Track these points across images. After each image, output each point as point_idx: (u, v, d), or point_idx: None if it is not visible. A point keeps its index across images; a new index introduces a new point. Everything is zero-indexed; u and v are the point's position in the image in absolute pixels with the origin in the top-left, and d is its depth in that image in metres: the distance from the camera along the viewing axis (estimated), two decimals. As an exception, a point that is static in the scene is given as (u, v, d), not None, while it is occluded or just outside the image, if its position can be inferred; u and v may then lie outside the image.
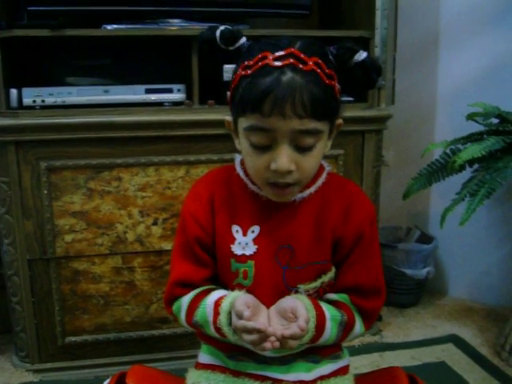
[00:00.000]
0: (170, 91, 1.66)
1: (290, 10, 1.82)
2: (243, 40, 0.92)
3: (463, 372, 1.74)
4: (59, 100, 1.60)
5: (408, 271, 2.09)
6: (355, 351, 1.82)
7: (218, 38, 0.92)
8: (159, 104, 1.66)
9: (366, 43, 1.73)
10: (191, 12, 1.73)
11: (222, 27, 0.92)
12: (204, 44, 0.94)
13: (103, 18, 1.67)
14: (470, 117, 1.79)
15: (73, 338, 1.71)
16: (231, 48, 0.92)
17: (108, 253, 1.67)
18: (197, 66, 1.62)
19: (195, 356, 1.07)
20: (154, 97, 1.66)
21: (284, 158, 0.85)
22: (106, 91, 1.63)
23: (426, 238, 2.21)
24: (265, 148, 0.86)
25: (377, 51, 1.74)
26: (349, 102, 1.75)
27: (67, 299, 1.68)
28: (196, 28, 1.67)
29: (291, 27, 1.93)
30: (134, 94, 1.65)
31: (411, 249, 2.13)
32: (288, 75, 0.82)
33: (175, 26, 1.70)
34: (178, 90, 1.67)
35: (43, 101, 1.58)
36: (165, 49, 1.76)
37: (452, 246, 2.26)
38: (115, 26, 1.63)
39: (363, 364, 1.76)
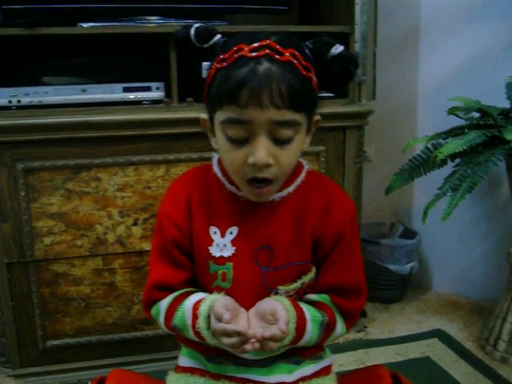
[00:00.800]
0: (148, 89, 1.64)
1: (269, 6, 1.80)
2: (218, 37, 0.91)
3: (448, 367, 1.74)
4: (35, 100, 1.57)
5: (392, 267, 2.09)
6: (340, 348, 1.81)
7: (192, 36, 0.91)
8: (138, 102, 1.64)
9: (345, 38, 1.72)
10: (169, 9, 1.71)
11: (196, 25, 0.91)
12: (179, 42, 0.93)
13: (79, 15, 1.64)
14: (451, 111, 1.78)
15: (54, 342, 1.69)
16: (206, 45, 0.91)
17: (88, 254, 1.64)
18: (175, 64, 1.60)
19: (178, 357, 1.06)
20: (132, 95, 1.63)
21: (262, 150, 0.83)
22: (84, 90, 1.61)
23: (409, 233, 2.21)
24: (242, 142, 0.84)
25: (357, 46, 1.73)
26: (329, 97, 1.74)
27: (47, 302, 1.65)
28: (174, 25, 1.64)
29: (270, 23, 1.92)
30: (112, 92, 1.62)
31: (395, 244, 2.12)
32: (264, 65, 0.81)
33: (153, 23, 1.68)
34: (157, 88, 1.65)
35: (19, 101, 1.55)
36: (142, 46, 1.73)
37: (435, 240, 2.26)
38: (91, 24, 1.60)
39: (348, 361, 1.76)
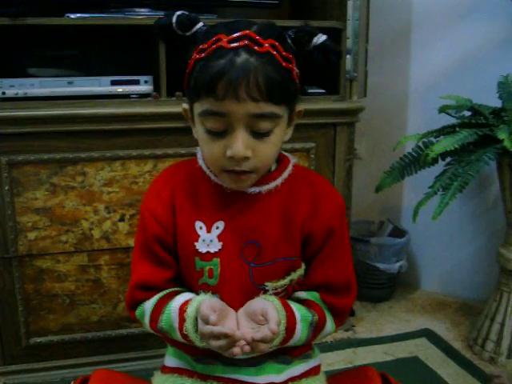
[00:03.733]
0: (136, 83, 1.61)
1: (259, 0, 1.78)
2: (200, 25, 0.89)
3: (436, 367, 1.73)
4: (21, 92, 1.53)
5: (381, 265, 2.08)
6: (328, 347, 1.80)
7: (174, 24, 0.89)
8: (125, 96, 1.61)
9: (337, 34, 1.70)
10: (158, 1, 1.69)
11: (178, 12, 0.89)
12: (160, 31, 0.91)
13: (67, 6, 1.61)
14: (443, 109, 1.77)
15: (38, 339, 1.66)
16: (188, 33, 0.89)
17: (73, 250, 1.61)
18: (164, 57, 1.57)
19: (164, 355, 1.03)
20: (120, 89, 1.60)
21: (239, 143, 0.82)
22: (70, 83, 1.58)
23: (398, 232, 2.20)
24: (220, 134, 0.83)
25: (349, 43, 1.71)
26: (320, 94, 1.72)
27: (31, 299, 1.62)
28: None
29: (261, 17, 1.88)
30: (100, 85, 1.59)
31: (384, 243, 2.11)
32: (242, 57, 0.80)
33: (142, 15, 1.66)
34: (145, 82, 1.62)
35: (4, 93, 1.52)
36: (131, 39, 1.70)
37: (424, 239, 2.25)
38: (79, 15, 1.57)
39: (336, 360, 1.75)
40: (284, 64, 0.83)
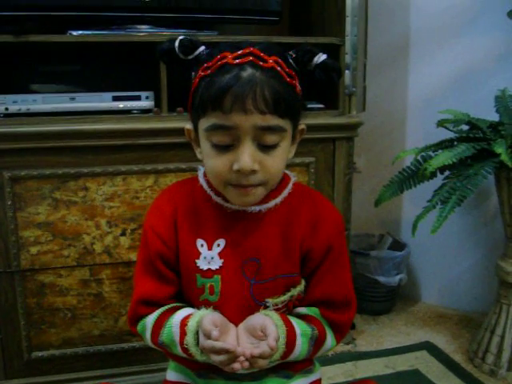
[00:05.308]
0: (138, 98, 1.63)
1: (259, 17, 1.80)
2: (202, 48, 0.91)
3: (437, 380, 1.73)
4: (24, 108, 1.55)
5: (381, 278, 2.09)
6: (329, 361, 1.80)
7: (176, 49, 0.90)
8: (127, 112, 1.63)
9: (336, 50, 1.72)
10: (159, 18, 1.71)
11: (181, 37, 0.91)
12: (163, 55, 0.93)
13: (69, 23, 1.63)
14: (441, 124, 1.79)
15: (39, 353, 1.66)
16: (190, 57, 0.91)
17: (75, 265, 1.62)
18: (165, 73, 1.59)
19: (166, 369, 1.04)
20: (121, 104, 1.62)
21: (247, 156, 0.82)
22: (73, 99, 1.59)
23: (398, 245, 2.21)
24: (227, 148, 0.84)
25: (347, 58, 1.73)
26: (319, 109, 1.74)
27: (33, 313, 1.63)
28: (164, 34, 1.64)
29: (261, 34, 1.91)
30: (101, 101, 1.61)
31: (384, 256, 2.12)
32: (248, 71, 0.82)
33: (143, 32, 1.68)
34: (147, 98, 1.64)
35: (7, 108, 1.54)
36: (132, 55, 1.72)
37: (424, 252, 2.26)
38: (81, 32, 1.59)
39: (337, 373, 1.75)
40: (288, 79, 0.85)
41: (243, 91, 0.80)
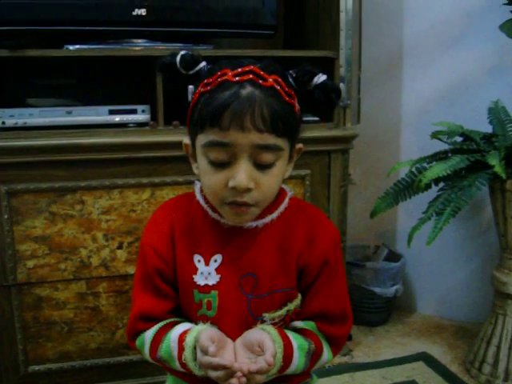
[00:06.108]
0: (134, 112, 1.64)
1: (254, 30, 1.81)
2: (203, 64, 0.92)
3: (434, 390, 1.74)
4: (20, 121, 1.56)
5: (377, 289, 2.09)
6: (326, 373, 1.81)
7: (178, 63, 0.91)
8: (123, 125, 1.64)
9: (330, 63, 1.74)
10: (155, 32, 1.72)
11: (182, 52, 0.92)
12: (164, 69, 0.94)
13: (66, 37, 1.64)
14: (435, 135, 1.81)
15: (36, 367, 1.66)
16: (191, 72, 0.92)
17: (72, 278, 1.62)
18: (161, 87, 1.60)
19: (163, 382, 1.04)
20: (117, 118, 1.63)
21: (243, 174, 0.83)
22: (69, 112, 1.60)
23: (393, 256, 2.22)
24: (223, 165, 0.84)
25: (342, 71, 1.75)
26: (314, 121, 1.75)
27: (30, 327, 1.63)
28: (160, 48, 1.65)
29: (256, 47, 1.93)
30: (98, 115, 1.62)
31: (380, 267, 2.13)
32: (247, 89, 0.82)
33: (139, 46, 1.69)
34: (143, 111, 1.65)
35: (3, 122, 1.54)
36: (129, 69, 1.74)
37: (419, 263, 2.27)
38: (78, 47, 1.60)
39: (334, 385, 1.75)
40: (287, 99, 0.85)
41: (242, 109, 0.80)
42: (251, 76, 0.83)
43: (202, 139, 0.86)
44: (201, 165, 0.89)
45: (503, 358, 1.76)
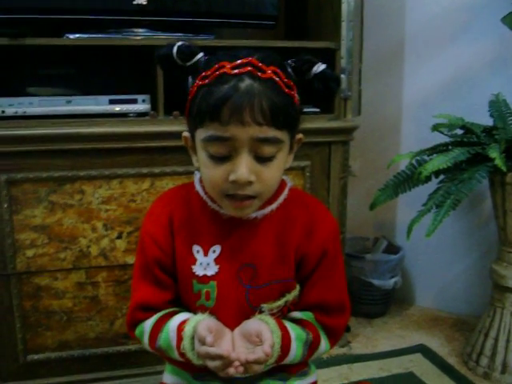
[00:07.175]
0: (134, 102, 1.64)
1: (256, 21, 1.81)
2: (200, 55, 0.90)
3: (431, 382, 1.74)
4: (20, 110, 1.55)
5: (376, 281, 2.10)
6: (324, 363, 1.81)
7: (174, 54, 0.90)
8: (123, 115, 1.63)
9: (332, 54, 1.73)
10: (156, 22, 1.71)
11: (179, 43, 0.90)
12: (161, 61, 0.93)
13: (66, 26, 1.63)
14: (435, 128, 1.80)
15: (35, 356, 1.66)
16: (188, 63, 0.90)
17: (71, 267, 1.62)
18: (162, 77, 1.59)
19: (162, 372, 1.05)
20: (118, 107, 1.63)
21: (243, 167, 0.83)
22: (69, 102, 1.60)
23: (392, 248, 2.22)
24: (224, 159, 0.84)
25: (343, 62, 1.74)
26: (315, 113, 1.75)
27: (29, 316, 1.63)
28: (161, 38, 1.65)
29: (257, 38, 1.92)
30: (98, 104, 1.61)
31: (379, 259, 2.13)
32: (246, 82, 0.81)
33: (139, 35, 1.68)
34: (143, 101, 1.64)
35: (3, 111, 1.54)
36: (129, 59, 1.73)
37: (418, 255, 2.27)
38: (78, 35, 1.59)
39: (332, 376, 1.76)
40: (286, 90, 0.84)
41: (241, 103, 0.80)
42: (249, 68, 0.82)
43: (201, 133, 0.85)
44: (201, 158, 0.88)
45: (501, 351, 1.77)
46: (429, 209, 1.64)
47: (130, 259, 1.64)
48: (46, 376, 1.68)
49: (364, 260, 2.11)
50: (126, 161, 1.61)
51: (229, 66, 0.83)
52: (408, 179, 1.81)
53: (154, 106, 1.64)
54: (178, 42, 0.91)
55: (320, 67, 0.89)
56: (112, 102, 1.62)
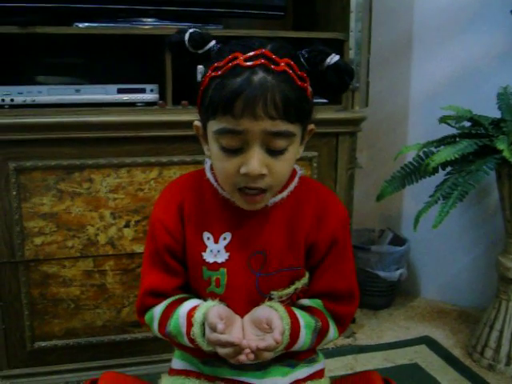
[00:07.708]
0: (142, 91, 1.64)
1: (264, 11, 1.81)
2: (212, 43, 0.90)
3: (436, 373, 1.75)
4: (29, 99, 1.56)
5: (381, 273, 2.10)
6: (329, 354, 1.82)
7: (186, 41, 0.89)
8: (132, 104, 1.63)
9: (340, 45, 1.73)
10: (165, 11, 1.71)
11: (191, 30, 0.90)
12: (173, 47, 0.92)
13: (75, 15, 1.64)
14: (443, 120, 1.80)
15: (42, 343, 1.68)
16: (200, 51, 0.90)
17: (79, 256, 1.63)
18: (170, 66, 1.60)
19: (169, 360, 1.06)
20: (126, 97, 1.63)
21: (255, 160, 0.82)
22: (78, 90, 1.60)
23: (398, 240, 2.22)
24: (236, 151, 0.84)
25: (351, 53, 1.74)
26: (323, 103, 1.75)
27: (37, 303, 1.64)
28: (169, 27, 1.65)
29: (265, 28, 1.92)
30: (106, 93, 1.62)
31: (384, 251, 2.14)
32: (259, 75, 0.80)
33: (148, 25, 1.68)
34: (151, 90, 1.64)
35: (12, 100, 1.54)
36: (138, 48, 1.73)
37: (424, 247, 2.27)
38: (87, 25, 1.60)
39: (337, 367, 1.76)
40: (299, 83, 0.83)
41: (254, 96, 0.79)
42: (263, 61, 0.81)
43: (213, 125, 0.85)
44: (213, 150, 0.88)
45: (505, 343, 1.77)
46: (436, 200, 1.64)
47: (138, 248, 1.65)
48: (53, 363, 1.70)
49: (370, 252, 2.12)
50: (134, 150, 1.61)
51: (242, 58, 0.82)
52: (415, 171, 1.81)
53: (163, 96, 1.64)
54: (189, 29, 0.90)
55: (334, 59, 0.88)
56: (120, 91, 1.63)
